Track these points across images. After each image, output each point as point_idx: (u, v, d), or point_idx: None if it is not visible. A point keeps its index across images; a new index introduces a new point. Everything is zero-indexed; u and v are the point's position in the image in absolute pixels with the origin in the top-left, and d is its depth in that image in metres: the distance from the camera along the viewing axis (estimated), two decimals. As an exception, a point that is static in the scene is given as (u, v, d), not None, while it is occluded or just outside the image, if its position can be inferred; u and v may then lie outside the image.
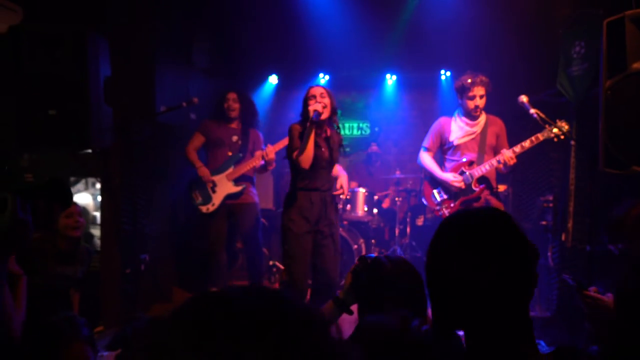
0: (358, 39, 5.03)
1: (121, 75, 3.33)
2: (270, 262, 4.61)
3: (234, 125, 3.92)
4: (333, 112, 3.03)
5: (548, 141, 3.26)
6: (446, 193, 3.49)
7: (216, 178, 3.79)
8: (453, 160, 3.48)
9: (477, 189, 3.35)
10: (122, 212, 3.44)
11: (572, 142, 3.46)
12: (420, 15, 4.57)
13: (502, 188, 4.39)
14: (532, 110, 2.82)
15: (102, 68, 2.81)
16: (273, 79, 5.94)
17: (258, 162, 3.79)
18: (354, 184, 5.35)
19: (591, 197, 2.69)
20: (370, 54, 5.37)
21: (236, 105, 3.85)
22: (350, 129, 6.07)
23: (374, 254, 1.52)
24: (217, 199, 3.78)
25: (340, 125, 3.26)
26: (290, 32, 4.91)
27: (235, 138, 3.87)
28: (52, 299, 2.58)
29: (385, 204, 5.03)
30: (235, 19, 4.91)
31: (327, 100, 2.95)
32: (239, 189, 3.79)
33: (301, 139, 2.90)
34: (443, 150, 3.59)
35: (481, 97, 3.35)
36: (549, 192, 3.82)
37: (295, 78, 5.95)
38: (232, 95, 3.86)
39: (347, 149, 6.01)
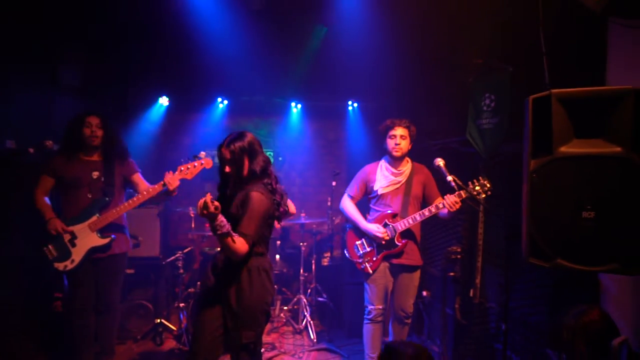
0: (260, 64, 4.62)
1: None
2: (157, 320, 3.95)
3: (93, 157, 3.17)
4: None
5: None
6: (370, 245, 3.25)
7: (76, 228, 3.02)
8: (377, 211, 3.26)
9: (399, 244, 3.16)
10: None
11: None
12: (328, 45, 4.25)
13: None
14: (450, 178, 2.60)
15: None
16: (163, 100, 5.24)
17: (134, 204, 3.06)
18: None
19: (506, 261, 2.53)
20: (274, 81, 4.95)
21: (100, 132, 3.12)
22: (251, 157, 5.54)
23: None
24: (77, 254, 3.02)
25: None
26: (185, 50, 4.33)
27: (96, 174, 3.11)
28: None
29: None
30: (118, 31, 4.17)
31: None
32: (105, 241, 3.06)
33: None
34: (369, 199, 3.36)
35: (402, 137, 3.15)
36: (457, 241, 3.70)
37: (190, 100, 5.34)
38: (94, 120, 3.11)
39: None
